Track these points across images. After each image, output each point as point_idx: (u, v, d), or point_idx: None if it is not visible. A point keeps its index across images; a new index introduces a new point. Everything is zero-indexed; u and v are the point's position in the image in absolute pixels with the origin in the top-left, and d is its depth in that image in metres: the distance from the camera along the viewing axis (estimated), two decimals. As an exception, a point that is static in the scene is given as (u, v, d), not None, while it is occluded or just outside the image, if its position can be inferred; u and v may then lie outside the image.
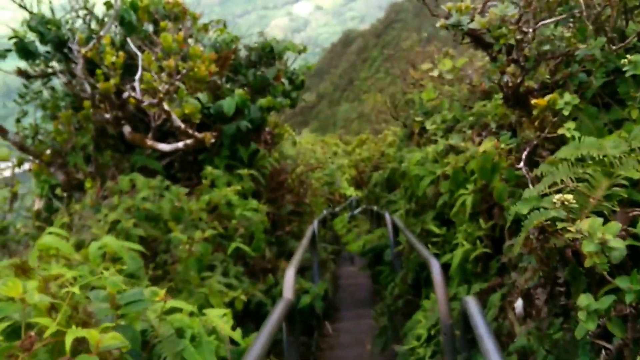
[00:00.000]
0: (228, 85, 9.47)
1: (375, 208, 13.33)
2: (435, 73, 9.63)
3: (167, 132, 8.22)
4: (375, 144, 22.71)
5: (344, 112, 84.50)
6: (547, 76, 4.49)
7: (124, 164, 8.26)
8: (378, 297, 10.76)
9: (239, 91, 8.58)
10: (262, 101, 8.96)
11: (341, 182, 22.69)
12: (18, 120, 8.70)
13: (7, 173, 10.40)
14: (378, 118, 25.67)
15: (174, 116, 7.08)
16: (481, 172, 5.40)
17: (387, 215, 9.81)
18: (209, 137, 7.02)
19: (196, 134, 7.18)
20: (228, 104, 8.33)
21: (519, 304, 4.99)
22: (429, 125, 8.54)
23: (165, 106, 6.89)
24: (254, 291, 6.65)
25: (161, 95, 6.61)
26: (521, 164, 4.40)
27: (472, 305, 3.86)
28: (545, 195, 3.24)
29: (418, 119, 9.13)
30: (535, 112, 4.08)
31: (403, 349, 6.07)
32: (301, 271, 9.86)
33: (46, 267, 3.70)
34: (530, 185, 3.98)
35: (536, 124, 4.28)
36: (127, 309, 2.77)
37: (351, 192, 23.52)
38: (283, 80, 10.24)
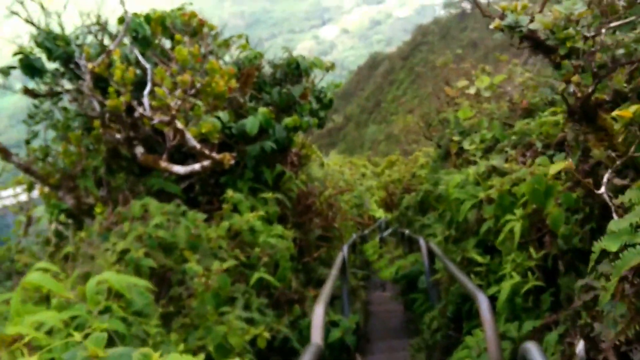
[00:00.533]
0: (252, 104, 8.94)
1: (407, 232, 12.69)
2: (472, 90, 9.04)
3: (186, 154, 7.72)
4: (405, 165, 22.08)
5: (371, 133, 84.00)
6: (624, 84, 3.85)
7: (138, 188, 7.76)
8: (412, 326, 10.10)
9: (262, 109, 8.05)
10: (288, 120, 8.41)
11: (370, 204, 22.07)
12: (27, 142, 8.26)
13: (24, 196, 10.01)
14: (408, 138, 25.05)
15: (188, 135, 6.54)
16: (533, 196, 4.79)
17: (421, 241, 9.18)
18: (228, 158, 6.46)
19: (214, 154, 6.61)
20: (251, 123, 7.81)
21: (580, 348, 4.34)
22: (467, 145, 7.93)
23: (179, 124, 6.34)
24: (279, 326, 6.06)
25: (173, 111, 6.06)
26: (602, 190, 3.72)
27: (535, 353, 3.25)
28: (640, 227, 2.63)
29: (456, 138, 8.52)
30: (617, 127, 3.45)
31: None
32: (330, 300, 9.25)
33: (32, 309, 3.18)
34: (614, 215, 3.34)
35: (620, 140, 3.63)
36: (114, 373, 2.21)
37: (380, 214, 22.87)
38: (310, 98, 9.70)
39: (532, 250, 5.20)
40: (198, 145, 6.64)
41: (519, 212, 5.40)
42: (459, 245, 6.73)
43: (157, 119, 6.23)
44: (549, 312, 4.94)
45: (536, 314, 5.11)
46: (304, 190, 9.35)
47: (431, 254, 8.34)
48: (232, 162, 6.52)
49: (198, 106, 6.60)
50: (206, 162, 6.59)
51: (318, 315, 4.65)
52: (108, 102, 6.32)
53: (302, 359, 3.50)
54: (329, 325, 7.01)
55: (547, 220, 4.64)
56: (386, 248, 12.09)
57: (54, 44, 7.75)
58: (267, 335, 5.32)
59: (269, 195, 7.78)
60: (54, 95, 8.52)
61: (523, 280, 5.09)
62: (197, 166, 6.70)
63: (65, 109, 8.69)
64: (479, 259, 6.07)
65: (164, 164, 6.66)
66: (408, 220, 13.37)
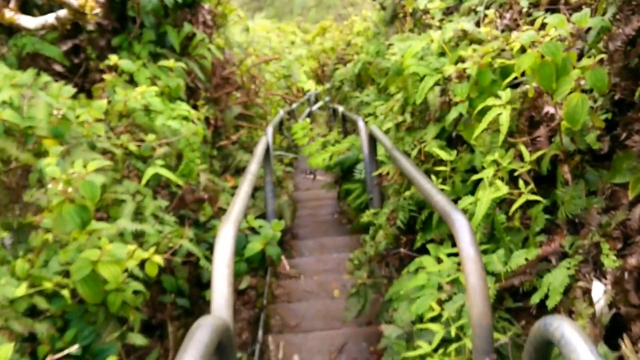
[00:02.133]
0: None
1: (341, 109, 11.17)
2: None
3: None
4: (340, 32, 20.14)
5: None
6: None
7: (2, 49, 5.91)
8: (345, 220, 8.85)
9: (161, -55, 6.14)
10: (197, -36, 6.54)
11: (299, 75, 20.32)
12: None
13: None
14: (343, 1, 22.92)
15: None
16: (540, 74, 3.30)
17: (360, 123, 7.70)
18: (91, 6, 4.57)
19: (69, -1, 4.64)
20: (145, -35, 5.94)
21: (600, 296, 3.05)
22: (425, 3, 6.30)
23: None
24: (179, 240, 4.58)
25: None
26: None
27: (581, 345, 1.87)
28: None
29: (412, -7, 6.85)
30: None
31: (394, 333, 4.15)
32: (251, 193, 7.81)
33: None
34: None
35: None
36: None
37: (310, 86, 21.22)
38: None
39: (522, 148, 3.79)
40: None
41: (505, 94, 3.94)
42: (414, 134, 5.28)
43: None
44: (544, 235, 3.62)
45: (523, 237, 3.78)
46: (220, 58, 7.61)
47: (373, 140, 6.90)
48: (98, 11, 4.66)
49: None
50: (62, 12, 4.71)
51: (224, 240, 3.13)
52: None
53: (187, 348, 2.02)
54: (249, 231, 5.59)
55: (563, 113, 3.19)
56: (318, 130, 10.53)
57: None
58: (158, 259, 3.84)
59: (169, 63, 6.02)
60: None
61: (509, 192, 3.72)
62: (50, 17, 4.80)
63: None
64: (443, 154, 4.66)
65: (9, 13, 4.75)
66: (343, 97, 11.82)
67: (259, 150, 5.92)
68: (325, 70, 20.04)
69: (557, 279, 3.14)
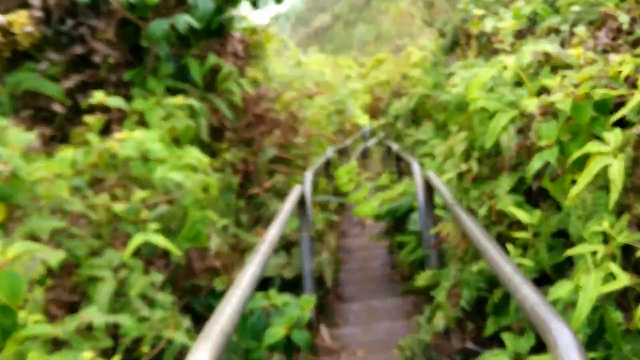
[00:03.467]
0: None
1: (395, 147, 10.00)
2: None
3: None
4: (395, 64, 18.96)
5: (360, 34, 79.99)
6: None
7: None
8: (397, 277, 7.62)
9: (170, -39, 5.20)
10: (217, -17, 5.56)
11: (354, 109, 19.23)
12: None
13: None
14: (400, 32, 21.78)
15: None
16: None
17: (415, 166, 6.52)
18: (21, 22, 3.56)
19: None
20: (152, -16, 4.99)
21: None
22: (494, 25, 5.11)
23: None
24: (168, 331, 3.47)
25: None
26: None
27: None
28: None
29: (478, 12, 5.63)
30: None
31: None
32: (286, 248, 6.71)
33: None
34: None
35: None
36: None
37: (365, 121, 20.12)
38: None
39: (644, 215, 2.56)
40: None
41: (615, 137, 2.72)
42: (483, 186, 4.06)
43: None
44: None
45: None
46: (252, 93, 6.56)
47: (429, 188, 5.71)
48: (31, 30, 3.65)
49: None
50: (-4, 39, 3.73)
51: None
52: None
53: None
54: (271, 309, 4.44)
55: None
56: (370, 171, 9.29)
57: None
58: (122, 375, 2.73)
59: (178, 100, 4.97)
60: None
61: (635, 281, 2.48)
62: (-15, 45, 3.85)
63: None
64: (522, 215, 3.44)
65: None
66: (397, 134, 10.67)
67: (287, 207, 4.80)
68: (380, 104, 18.91)
69: None
